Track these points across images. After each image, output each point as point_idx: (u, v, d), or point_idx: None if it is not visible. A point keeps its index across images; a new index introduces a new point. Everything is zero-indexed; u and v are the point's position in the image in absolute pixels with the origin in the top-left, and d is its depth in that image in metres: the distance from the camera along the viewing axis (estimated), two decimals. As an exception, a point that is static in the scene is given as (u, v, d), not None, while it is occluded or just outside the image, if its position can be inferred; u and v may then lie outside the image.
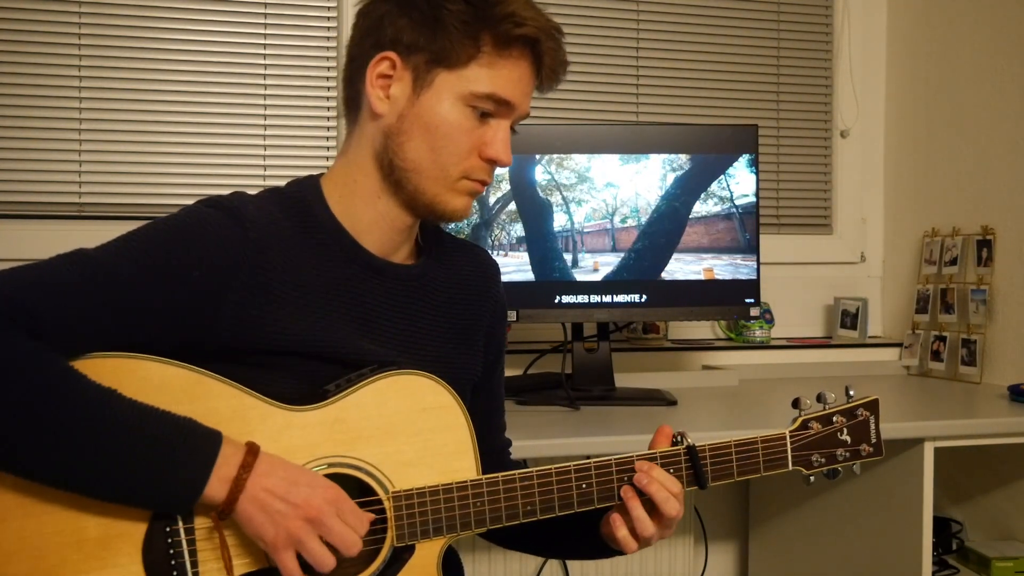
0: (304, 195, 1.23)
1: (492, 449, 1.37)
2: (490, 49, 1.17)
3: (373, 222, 1.24)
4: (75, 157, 2.31)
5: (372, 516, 1.11)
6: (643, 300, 2.17)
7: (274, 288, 1.15)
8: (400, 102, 1.19)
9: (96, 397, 1.03)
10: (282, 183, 1.27)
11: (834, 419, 1.33)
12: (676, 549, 2.52)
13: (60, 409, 1.00)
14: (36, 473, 1.02)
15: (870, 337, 2.74)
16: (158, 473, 1.02)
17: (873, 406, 1.34)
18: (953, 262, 2.51)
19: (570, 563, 2.45)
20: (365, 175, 1.23)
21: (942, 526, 2.29)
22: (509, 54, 1.18)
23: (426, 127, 1.18)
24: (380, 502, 1.15)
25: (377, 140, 1.21)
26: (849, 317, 2.71)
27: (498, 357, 1.43)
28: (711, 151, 2.20)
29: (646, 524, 1.21)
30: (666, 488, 1.21)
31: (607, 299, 2.16)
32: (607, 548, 1.30)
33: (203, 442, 1.05)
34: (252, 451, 1.07)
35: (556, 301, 2.14)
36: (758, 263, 2.21)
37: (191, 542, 1.08)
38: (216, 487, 1.04)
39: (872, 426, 1.34)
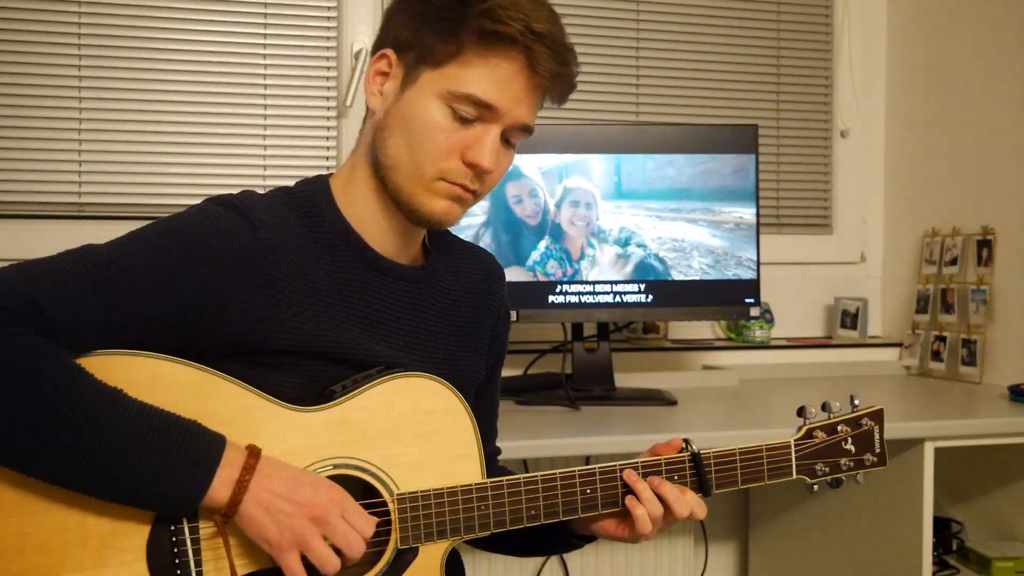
0: (313, 195, 1.23)
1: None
2: (471, 48, 1.13)
3: (375, 221, 1.23)
4: (75, 157, 2.31)
5: (376, 519, 1.11)
6: (643, 300, 2.17)
7: (282, 288, 1.15)
8: (389, 98, 1.19)
9: (102, 397, 1.02)
10: (282, 183, 1.27)
11: (839, 428, 1.33)
12: (676, 549, 2.52)
13: (64, 407, 1.00)
14: (39, 471, 1.01)
15: (870, 337, 2.74)
16: (161, 475, 1.02)
17: (878, 416, 1.34)
18: (953, 262, 2.51)
19: (570, 564, 2.45)
20: (364, 173, 1.23)
21: (942, 526, 2.29)
22: (491, 53, 1.13)
23: (404, 123, 1.17)
24: (385, 504, 1.15)
25: (371, 137, 1.22)
26: (849, 317, 2.72)
27: (499, 362, 1.43)
28: (711, 151, 2.20)
29: (645, 522, 1.22)
30: (661, 496, 1.22)
31: (607, 299, 2.16)
32: (575, 542, 1.33)
33: (207, 445, 1.05)
34: (254, 453, 1.07)
35: (556, 301, 2.14)
36: (758, 263, 2.21)
37: (195, 540, 1.08)
38: (219, 489, 1.04)
39: (876, 436, 1.34)
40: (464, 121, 1.15)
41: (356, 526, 1.08)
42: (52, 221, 2.29)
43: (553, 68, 1.15)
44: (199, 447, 1.04)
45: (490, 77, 1.14)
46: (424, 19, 1.15)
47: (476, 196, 1.21)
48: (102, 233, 1.20)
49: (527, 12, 1.12)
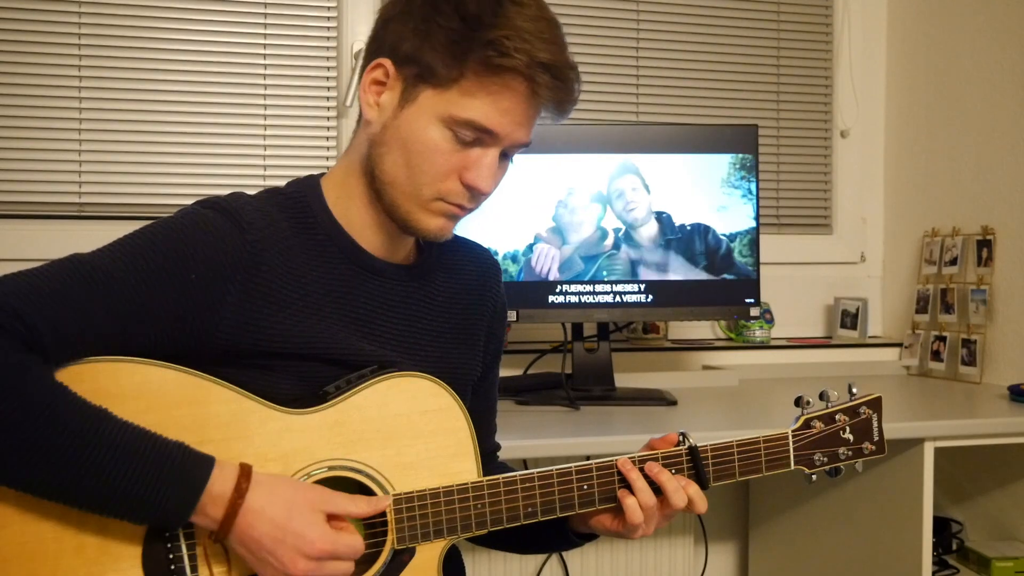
0: (303, 195, 1.22)
1: (481, 452, 1.36)
2: (474, 76, 1.11)
3: (369, 225, 1.23)
4: (75, 157, 2.31)
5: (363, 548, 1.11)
6: (643, 300, 2.17)
7: (273, 290, 1.14)
8: (387, 111, 1.17)
9: (86, 417, 1.01)
10: (282, 183, 1.27)
11: (837, 418, 1.32)
12: (676, 549, 2.52)
13: (46, 429, 0.98)
14: (23, 488, 1.01)
15: (870, 337, 2.74)
16: (144, 499, 1.01)
17: (876, 404, 1.34)
18: (953, 262, 2.51)
19: (570, 563, 2.45)
20: (357, 179, 1.22)
21: (942, 526, 2.29)
22: (495, 82, 1.12)
23: (403, 143, 1.15)
24: (380, 505, 1.15)
25: (365, 146, 1.20)
26: (849, 317, 2.71)
27: (496, 358, 1.43)
28: (711, 151, 2.19)
29: (635, 512, 1.21)
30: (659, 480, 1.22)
31: (607, 299, 2.15)
32: (575, 540, 1.32)
33: (191, 471, 1.03)
34: (239, 491, 1.04)
35: (556, 301, 2.14)
36: (758, 263, 2.20)
37: (191, 546, 1.08)
38: (204, 520, 1.05)
39: (875, 424, 1.34)
40: (463, 143, 1.15)
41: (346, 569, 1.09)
42: (52, 221, 2.30)
43: (556, 96, 1.15)
44: (183, 472, 1.03)
45: (493, 106, 1.13)
46: (427, 37, 1.12)
47: (471, 212, 1.22)
48: (102, 233, 1.20)
49: (531, 39, 1.10)
